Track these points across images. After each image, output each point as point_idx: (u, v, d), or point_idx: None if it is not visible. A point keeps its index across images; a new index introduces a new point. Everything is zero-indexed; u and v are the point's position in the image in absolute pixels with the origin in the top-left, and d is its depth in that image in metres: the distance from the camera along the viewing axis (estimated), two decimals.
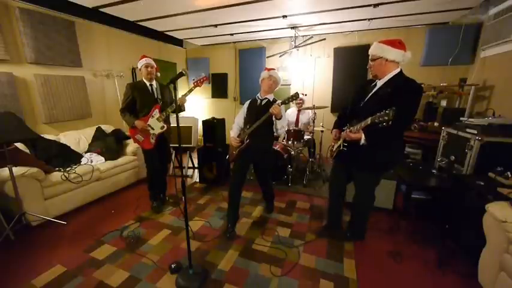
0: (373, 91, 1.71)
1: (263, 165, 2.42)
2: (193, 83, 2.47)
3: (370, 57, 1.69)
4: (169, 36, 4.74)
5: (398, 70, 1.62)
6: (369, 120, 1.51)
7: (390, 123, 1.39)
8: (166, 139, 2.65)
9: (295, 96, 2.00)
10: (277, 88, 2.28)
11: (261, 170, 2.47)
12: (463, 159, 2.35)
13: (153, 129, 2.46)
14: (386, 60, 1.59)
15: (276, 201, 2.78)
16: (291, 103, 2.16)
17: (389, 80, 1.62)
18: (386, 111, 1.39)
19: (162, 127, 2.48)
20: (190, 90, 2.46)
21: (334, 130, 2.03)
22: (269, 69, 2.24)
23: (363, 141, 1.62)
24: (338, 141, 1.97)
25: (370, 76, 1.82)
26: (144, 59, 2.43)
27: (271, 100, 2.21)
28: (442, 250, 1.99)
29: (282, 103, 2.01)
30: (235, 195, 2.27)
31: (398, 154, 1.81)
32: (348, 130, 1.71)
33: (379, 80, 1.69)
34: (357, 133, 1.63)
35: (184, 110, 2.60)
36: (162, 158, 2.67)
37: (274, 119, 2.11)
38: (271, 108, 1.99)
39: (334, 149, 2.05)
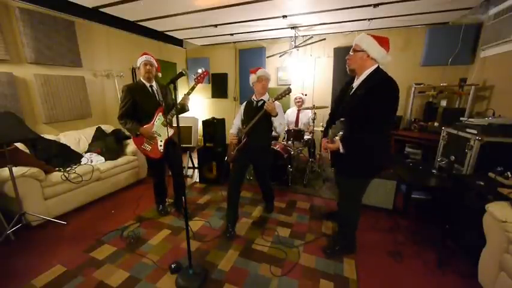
0: (351, 93, 1.64)
1: (262, 166, 2.42)
2: (195, 80, 2.28)
3: (353, 47, 1.58)
4: (169, 36, 4.74)
5: (375, 66, 1.53)
6: (337, 134, 1.52)
7: (342, 131, 1.45)
8: (176, 143, 2.38)
9: (288, 91, 2.03)
10: (269, 86, 2.26)
11: (260, 171, 2.47)
12: (463, 159, 2.35)
13: (159, 135, 2.27)
14: (368, 56, 1.51)
15: (276, 201, 2.77)
16: (291, 104, 2.16)
17: (365, 78, 1.54)
18: (337, 124, 1.46)
19: (169, 132, 2.29)
20: (192, 88, 2.26)
21: (323, 139, 1.88)
22: (254, 71, 2.21)
23: (341, 150, 1.59)
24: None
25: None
26: (144, 56, 2.20)
27: (266, 101, 2.21)
28: (442, 250, 1.98)
29: (275, 99, 2.04)
30: (233, 195, 2.27)
31: (382, 158, 1.66)
32: (325, 141, 1.68)
33: (357, 77, 1.61)
34: (334, 143, 1.60)
35: (188, 110, 2.39)
36: (171, 163, 2.47)
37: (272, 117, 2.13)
38: (265, 105, 2.02)
39: (330, 157, 1.88)
